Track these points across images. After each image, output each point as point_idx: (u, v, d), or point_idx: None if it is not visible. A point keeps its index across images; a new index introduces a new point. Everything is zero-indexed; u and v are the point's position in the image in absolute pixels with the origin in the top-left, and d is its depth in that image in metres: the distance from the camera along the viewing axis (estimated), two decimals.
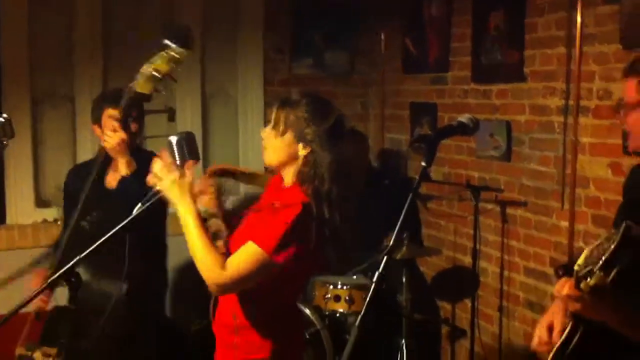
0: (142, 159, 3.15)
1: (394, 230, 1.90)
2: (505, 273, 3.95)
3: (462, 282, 4.23)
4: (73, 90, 4.43)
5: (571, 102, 3.44)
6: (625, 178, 2.15)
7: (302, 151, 2.20)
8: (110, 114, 3.05)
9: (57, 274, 2.16)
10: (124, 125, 2.89)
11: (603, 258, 1.57)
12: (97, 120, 3.16)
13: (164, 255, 3.40)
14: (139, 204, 2.23)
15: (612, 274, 1.60)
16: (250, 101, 4.78)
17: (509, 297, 3.95)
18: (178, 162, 2.28)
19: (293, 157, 2.22)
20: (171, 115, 4.65)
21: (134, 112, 3.09)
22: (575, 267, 1.63)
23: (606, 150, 3.27)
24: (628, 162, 2.92)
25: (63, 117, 4.47)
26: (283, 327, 2.32)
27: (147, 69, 2.60)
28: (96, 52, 4.39)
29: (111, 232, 2.16)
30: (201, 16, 4.64)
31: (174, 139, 2.28)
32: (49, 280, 2.19)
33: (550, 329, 1.88)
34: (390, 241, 1.89)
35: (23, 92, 4.27)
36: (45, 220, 4.30)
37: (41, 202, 4.42)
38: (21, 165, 4.30)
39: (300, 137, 2.19)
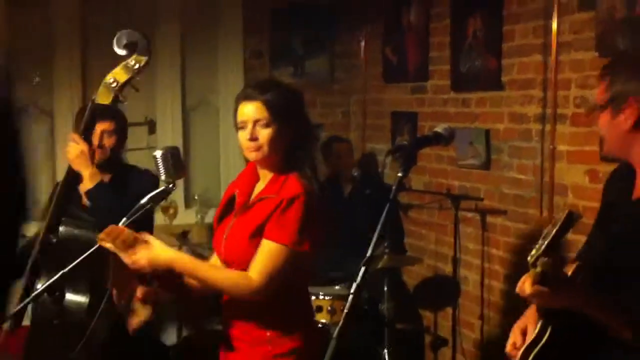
0: (121, 173, 3.16)
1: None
2: (486, 281, 3.96)
3: (443, 290, 4.23)
4: (52, 105, 4.40)
5: (548, 110, 3.47)
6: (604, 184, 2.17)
7: (287, 138, 2.20)
8: (103, 128, 3.06)
9: (42, 287, 2.16)
10: (86, 137, 2.81)
11: (545, 243, 1.58)
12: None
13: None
14: (124, 219, 2.23)
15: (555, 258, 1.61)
16: (232, 111, 4.76)
17: (489, 305, 3.96)
18: (163, 176, 2.28)
19: (282, 146, 2.21)
20: (151, 127, 4.67)
21: (109, 125, 3.05)
22: (528, 259, 1.64)
23: (583, 158, 3.29)
24: (605, 169, 2.94)
25: (43, 132, 4.44)
26: (304, 311, 2.34)
27: (106, 80, 2.62)
28: (75, 65, 4.37)
29: (93, 248, 2.17)
30: (180, 26, 4.64)
31: (159, 154, 2.29)
32: (34, 294, 2.17)
33: (524, 333, 1.89)
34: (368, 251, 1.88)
35: None
36: (23, 236, 4.25)
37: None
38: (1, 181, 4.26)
39: (282, 127, 2.19)
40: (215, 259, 2.41)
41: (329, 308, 3.59)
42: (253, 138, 2.18)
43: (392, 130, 4.70)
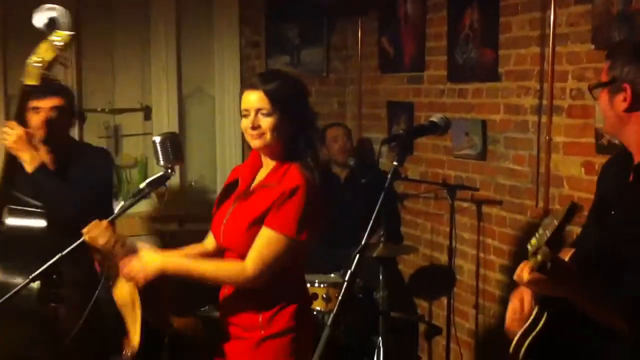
0: (72, 152, 3.02)
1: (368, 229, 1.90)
2: (481, 271, 3.98)
3: (438, 279, 4.25)
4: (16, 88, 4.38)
5: (545, 102, 3.48)
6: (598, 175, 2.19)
7: (294, 128, 2.24)
8: (30, 106, 2.90)
9: (38, 272, 2.16)
10: (21, 121, 2.74)
11: (547, 234, 1.60)
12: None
13: None
14: (122, 202, 2.24)
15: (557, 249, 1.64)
16: (228, 100, 4.77)
17: (484, 295, 3.98)
18: (162, 162, 2.28)
19: (282, 136, 2.23)
20: (147, 113, 4.67)
21: (58, 100, 2.91)
22: (528, 247, 1.66)
23: (579, 150, 3.30)
24: (601, 161, 2.94)
25: None
26: (297, 295, 2.35)
27: (31, 59, 2.56)
28: (70, 49, 4.34)
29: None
30: (176, 14, 4.62)
31: (157, 139, 2.29)
32: (31, 277, 2.17)
33: (522, 302, 1.91)
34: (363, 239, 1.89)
35: None
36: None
37: None
38: None
39: (289, 116, 2.22)
40: (209, 241, 2.44)
41: (324, 295, 3.61)
42: (255, 126, 2.21)
43: (389, 120, 4.71)
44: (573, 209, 1.61)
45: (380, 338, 3.58)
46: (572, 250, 1.87)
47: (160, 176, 2.28)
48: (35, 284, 2.46)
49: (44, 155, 2.89)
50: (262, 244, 2.17)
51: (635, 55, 1.82)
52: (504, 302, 3.85)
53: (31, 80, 2.59)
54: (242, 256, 2.21)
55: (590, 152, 3.22)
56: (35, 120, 2.89)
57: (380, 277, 3.62)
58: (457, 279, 4.14)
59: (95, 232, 2.20)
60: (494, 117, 3.84)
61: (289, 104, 2.22)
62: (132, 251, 2.20)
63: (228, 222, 2.30)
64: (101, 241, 2.19)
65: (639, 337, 1.69)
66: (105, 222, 2.20)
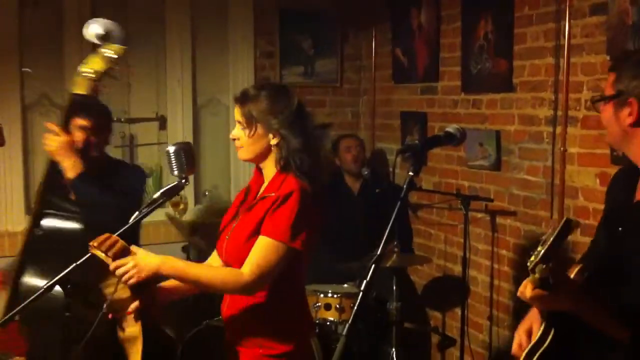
0: (108, 168, 3.10)
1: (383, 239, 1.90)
2: (495, 282, 3.96)
3: (452, 290, 4.24)
4: (63, 98, 4.43)
5: (559, 113, 3.47)
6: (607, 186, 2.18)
7: (273, 141, 2.26)
8: (75, 122, 2.97)
9: (54, 280, 2.17)
10: (66, 129, 2.78)
11: (542, 251, 1.60)
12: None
13: None
14: (136, 213, 2.25)
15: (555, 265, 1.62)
16: None
17: (498, 306, 3.97)
18: (176, 172, 2.30)
19: (267, 149, 2.28)
20: (162, 123, 4.70)
21: (89, 118, 2.96)
22: (528, 264, 1.65)
23: (594, 161, 3.29)
24: None
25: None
26: (298, 316, 2.35)
27: (81, 69, 2.59)
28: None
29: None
30: (191, 24, 4.66)
31: (172, 149, 2.31)
32: (45, 286, 2.18)
33: (529, 334, 1.90)
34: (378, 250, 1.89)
35: (14, 99, 4.28)
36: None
37: (31, 210, 4.40)
38: (12, 173, 4.31)
39: (268, 129, 2.25)
40: (212, 259, 2.46)
41: (337, 306, 3.61)
42: (234, 137, 2.31)
43: (402, 130, 4.71)
44: (568, 225, 1.60)
45: (393, 349, 3.58)
46: (580, 266, 1.86)
47: (174, 186, 2.30)
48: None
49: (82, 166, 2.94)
50: (257, 251, 2.18)
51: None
52: (517, 314, 3.83)
53: (80, 90, 2.62)
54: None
55: (605, 163, 3.21)
56: (78, 137, 2.94)
57: (394, 287, 3.62)
58: (470, 290, 4.13)
59: (105, 246, 2.17)
60: (508, 128, 3.83)
61: (268, 119, 2.24)
62: (128, 252, 2.19)
63: (230, 237, 2.32)
64: (110, 254, 2.18)
65: (638, 345, 1.68)
66: (114, 237, 2.19)
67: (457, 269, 4.13)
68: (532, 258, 1.64)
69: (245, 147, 2.29)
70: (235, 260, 2.26)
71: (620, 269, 1.77)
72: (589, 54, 3.30)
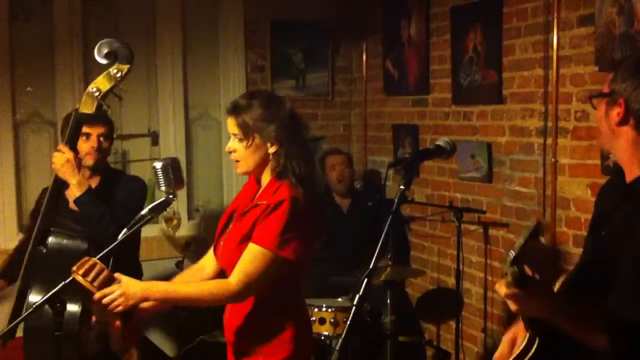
0: (109, 177, 3.25)
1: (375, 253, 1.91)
2: (489, 294, 3.96)
3: (446, 303, 4.23)
4: (55, 115, 4.43)
5: (550, 124, 3.49)
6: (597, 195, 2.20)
7: (271, 149, 2.25)
8: (99, 132, 3.18)
9: (43, 299, 2.16)
10: (72, 146, 2.86)
11: (512, 254, 1.61)
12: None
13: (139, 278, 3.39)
14: (124, 229, 2.24)
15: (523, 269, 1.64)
16: None
17: (492, 318, 3.96)
18: (163, 188, 2.30)
19: (266, 159, 2.27)
20: (154, 138, 4.70)
21: (104, 129, 3.19)
22: (502, 265, 1.67)
23: (585, 171, 3.31)
24: None
25: (45, 142, 4.46)
26: (296, 323, 2.34)
27: (89, 89, 2.66)
28: (78, 75, 4.39)
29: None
30: (182, 39, 4.67)
31: (158, 165, 2.31)
32: (35, 305, 2.18)
33: (513, 343, 1.91)
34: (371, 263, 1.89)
35: (5, 116, 4.27)
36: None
37: (24, 227, 4.39)
38: (3, 190, 4.29)
39: (266, 137, 2.24)
40: (206, 261, 2.46)
41: (332, 320, 3.60)
42: (230, 150, 2.29)
43: (394, 142, 4.72)
44: (538, 227, 1.62)
45: None
46: (564, 276, 1.87)
47: (162, 201, 2.30)
48: (76, 307, 2.57)
49: (86, 180, 3.04)
50: (245, 259, 2.18)
51: (635, 71, 1.84)
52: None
53: (87, 109, 2.68)
54: None
55: (596, 174, 3.22)
56: (85, 146, 3.12)
57: (388, 300, 3.61)
58: (464, 302, 4.12)
59: (90, 276, 2.17)
60: (499, 140, 3.85)
61: (263, 128, 2.23)
62: (113, 281, 2.19)
63: (224, 243, 2.33)
64: (95, 283, 2.16)
65: (620, 352, 1.68)
66: (99, 265, 2.18)
67: (451, 281, 4.13)
68: (507, 259, 1.66)
69: (243, 160, 2.27)
70: (228, 266, 2.27)
71: (603, 272, 1.79)
72: (578, 65, 3.32)
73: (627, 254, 1.72)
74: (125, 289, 2.15)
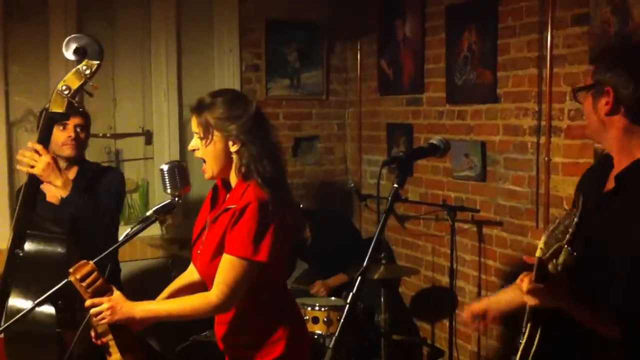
0: (85, 168, 3.26)
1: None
2: (483, 292, 3.97)
3: (440, 301, 4.24)
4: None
5: (543, 123, 3.49)
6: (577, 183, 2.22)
7: (233, 148, 2.22)
8: (76, 122, 3.20)
9: (44, 297, 2.16)
10: (45, 146, 2.80)
11: (570, 231, 1.60)
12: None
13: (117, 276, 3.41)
14: (128, 229, 2.25)
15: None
16: None
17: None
18: (169, 190, 2.30)
19: (229, 159, 2.24)
20: (148, 137, 4.69)
21: (80, 119, 3.22)
22: (538, 254, 1.65)
23: (578, 170, 3.31)
24: None
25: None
26: (287, 318, 2.34)
27: (58, 87, 2.63)
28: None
29: (97, 258, 2.20)
30: (177, 38, 4.66)
31: (165, 167, 2.32)
32: (36, 302, 2.18)
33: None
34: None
35: None
36: None
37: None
38: None
39: (227, 135, 2.21)
40: (190, 270, 2.48)
41: (325, 319, 3.60)
42: (192, 149, 2.28)
43: (388, 141, 4.73)
44: (586, 203, 1.60)
45: None
46: (568, 249, 1.87)
47: (168, 203, 2.30)
48: (52, 309, 2.54)
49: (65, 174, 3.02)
50: (223, 271, 2.17)
51: (619, 59, 1.87)
52: (506, 325, 3.83)
53: (57, 107, 2.64)
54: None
55: None
56: (62, 136, 3.13)
57: (382, 299, 3.62)
58: (458, 300, 4.13)
59: (86, 282, 2.18)
60: (493, 139, 3.85)
61: (225, 123, 2.20)
62: (106, 291, 2.21)
63: (201, 252, 2.32)
64: (90, 290, 2.18)
65: (630, 341, 1.71)
66: (92, 265, 2.19)
67: (445, 280, 4.13)
68: (542, 245, 1.64)
69: (207, 161, 2.25)
70: (207, 278, 2.28)
71: (599, 264, 1.80)
72: (572, 64, 3.32)
73: (625, 252, 1.73)
74: (114, 304, 2.18)
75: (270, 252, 2.17)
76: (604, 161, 1.95)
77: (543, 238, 1.67)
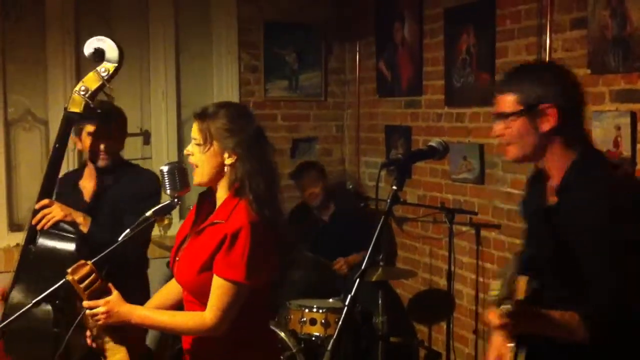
0: (123, 171, 3.06)
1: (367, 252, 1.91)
2: (480, 295, 3.97)
3: (438, 304, 4.24)
4: (47, 113, 4.41)
5: None
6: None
7: (228, 160, 2.21)
8: (88, 130, 2.96)
9: (42, 296, 2.16)
10: (61, 145, 2.78)
11: (503, 289, 1.77)
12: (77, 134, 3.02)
13: (145, 279, 3.35)
14: (127, 230, 2.25)
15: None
16: None
17: (483, 320, 3.97)
18: (169, 191, 2.30)
19: (221, 170, 2.23)
20: (146, 138, 4.69)
21: (92, 123, 2.92)
22: (491, 298, 1.77)
23: None
24: None
25: (36, 141, 4.44)
26: (259, 329, 2.34)
27: (76, 88, 2.65)
28: (70, 73, 4.38)
29: (97, 258, 2.20)
30: (175, 38, 4.67)
31: (165, 168, 2.32)
32: (34, 301, 2.17)
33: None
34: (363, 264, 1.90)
35: None
36: (18, 244, 4.25)
37: (14, 226, 4.38)
38: None
39: (224, 147, 2.20)
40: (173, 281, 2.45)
41: (323, 321, 3.60)
42: (188, 153, 2.26)
43: (387, 144, 4.73)
44: (538, 291, 1.73)
45: None
46: (527, 278, 1.87)
47: (167, 205, 2.31)
48: (48, 307, 2.51)
49: (94, 175, 2.95)
50: (217, 295, 2.16)
51: (541, 75, 1.89)
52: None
53: (75, 108, 2.66)
54: (195, 295, 2.23)
55: None
56: (94, 145, 2.91)
57: (379, 301, 3.62)
58: (456, 303, 4.13)
59: (85, 284, 2.17)
60: (491, 141, 3.85)
61: (225, 135, 2.19)
62: (104, 292, 2.21)
63: (180, 259, 2.31)
64: (88, 291, 2.18)
65: (599, 344, 1.76)
66: (91, 267, 2.18)
67: (443, 283, 4.13)
68: (496, 292, 1.76)
69: (200, 166, 2.23)
70: (186, 286, 2.27)
71: (555, 273, 1.86)
72: (570, 68, 3.31)
73: (586, 245, 1.78)
74: (111, 307, 2.18)
75: (262, 277, 2.19)
76: (537, 175, 2.00)
77: (498, 284, 1.73)
